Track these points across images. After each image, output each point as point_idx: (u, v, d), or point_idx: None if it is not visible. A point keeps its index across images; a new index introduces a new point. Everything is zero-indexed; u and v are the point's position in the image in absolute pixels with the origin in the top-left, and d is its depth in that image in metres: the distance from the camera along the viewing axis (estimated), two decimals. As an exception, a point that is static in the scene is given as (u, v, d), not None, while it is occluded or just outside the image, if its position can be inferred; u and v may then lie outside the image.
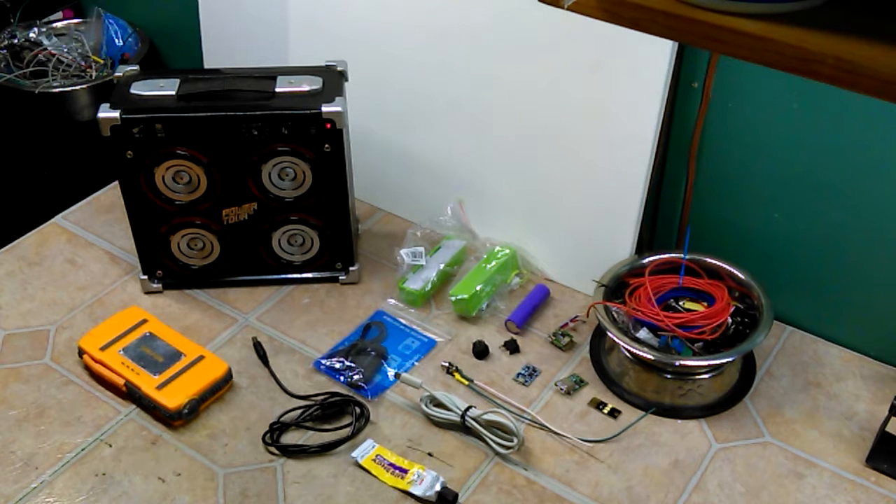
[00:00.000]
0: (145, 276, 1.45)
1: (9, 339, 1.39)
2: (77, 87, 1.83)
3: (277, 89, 1.35)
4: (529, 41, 1.34)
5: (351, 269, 1.47)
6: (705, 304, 1.31)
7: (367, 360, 1.34)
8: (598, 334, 1.38)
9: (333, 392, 1.29)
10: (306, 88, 1.35)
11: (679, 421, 1.27)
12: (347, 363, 1.32)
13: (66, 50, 1.90)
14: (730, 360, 1.27)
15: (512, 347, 1.37)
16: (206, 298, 1.46)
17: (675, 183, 1.42)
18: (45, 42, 1.90)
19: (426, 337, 1.39)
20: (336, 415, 1.27)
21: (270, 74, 1.37)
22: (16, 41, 1.90)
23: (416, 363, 1.35)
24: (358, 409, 1.26)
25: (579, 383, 1.32)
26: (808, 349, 1.38)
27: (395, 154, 1.56)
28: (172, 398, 1.25)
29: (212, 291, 1.47)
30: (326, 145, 1.34)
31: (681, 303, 1.33)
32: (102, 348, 1.32)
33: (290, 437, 1.24)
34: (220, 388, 1.29)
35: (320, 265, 1.47)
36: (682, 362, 1.26)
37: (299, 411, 1.26)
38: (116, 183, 1.53)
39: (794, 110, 1.26)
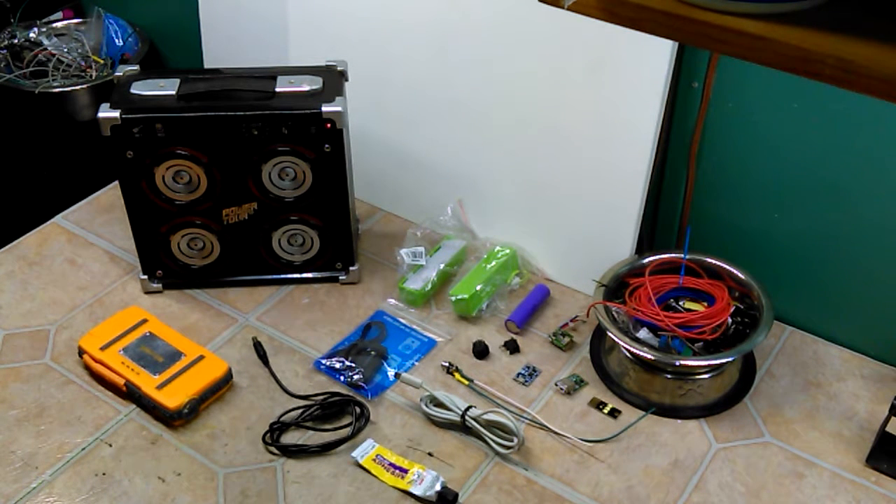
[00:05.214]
0: (145, 276, 1.45)
1: (9, 339, 1.39)
2: (77, 87, 1.83)
3: (277, 89, 1.35)
4: (529, 41, 1.34)
5: (351, 269, 1.47)
6: (705, 304, 1.31)
7: (367, 360, 1.34)
8: (598, 334, 1.38)
9: (333, 392, 1.29)
10: (306, 88, 1.35)
11: (679, 421, 1.27)
12: (347, 363, 1.32)
13: (66, 50, 1.90)
14: (730, 360, 1.27)
15: (512, 347, 1.37)
16: (206, 298, 1.46)
17: (675, 183, 1.42)
18: (45, 42, 1.90)
19: (426, 337, 1.39)
20: (336, 415, 1.27)
21: (270, 74, 1.37)
22: (16, 41, 1.90)
23: (416, 363, 1.35)
24: (358, 409, 1.26)
25: (579, 383, 1.32)
26: (808, 349, 1.38)
27: (395, 154, 1.56)
28: (172, 398, 1.25)
29: (212, 291, 1.47)
30: (326, 145, 1.34)
31: (681, 303, 1.33)
32: (102, 348, 1.32)
33: (290, 437, 1.24)
34: (220, 388, 1.29)
35: (320, 265, 1.47)
36: (682, 362, 1.26)
37: (299, 411, 1.26)
38: (116, 183, 1.54)
39: (794, 110, 1.26)
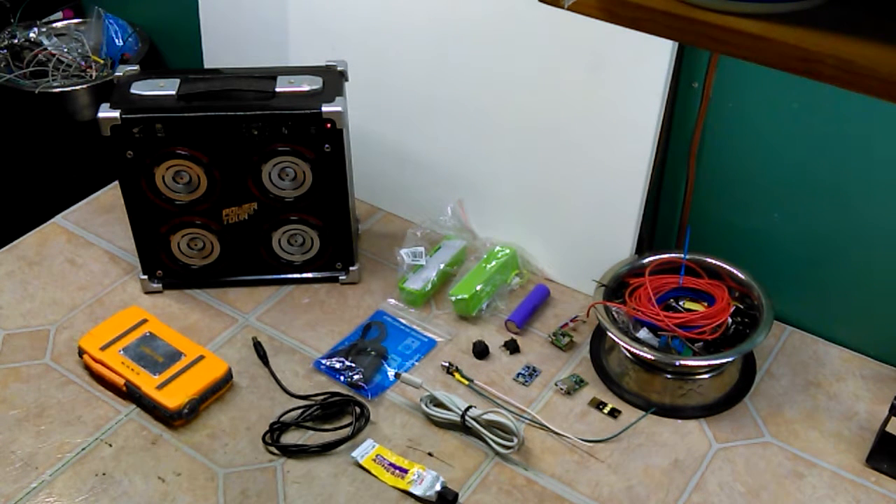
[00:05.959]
0: (145, 276, 1.45)
1: (9, 339, 1.39)
2: (77, 87, 1.83)
3: (277, 89, 1.35)
4: (530, 41, 1.34)
5: (351, 269, 1.47)
6: (705, 304, 1.31)
7: (367, 360, 1.34)
8: (598, 334, 1.38)
9: (333, 392, 1.29)
10: (306, 88, 1.35)
11: (679, 421, 1.27)
12: (347, 363, 1.32)
13: (66, 50, 1.90)
14: (730, 360, 1.27)
15: (512, 347, 1.37)
16: (206, 298, 1.46)
17: (675, 183, 1.43)
18: (45, 42, 1.90)
19: (426, 337, 1.39)
20: (336, 415, 1.27)
21: (270, 74, 1.37)
22: (16, 41, 1.90)
23: (416, 363, 1.35)
24: (358, 409, 1.26)
25: (579, 383, 1.32)
26: (808, 349, 1.38)
27: (395, 154, 1.56)
28: (172, 398, 1.25)
29: (212, 291, 1.47)
30: (326, 145, 1.34)
31: (681, 303, 1.33)
32: (102, 348, 1.32)
33: (290, 437, 1.24)
34: (220, 388, 1.29)
35: (320, 265, 1.47)
36: (682, 362, 1.26)
37: (299, 411, 1.26)
38: (116, 183, 1.54)
39: (794, 110, 1.26)
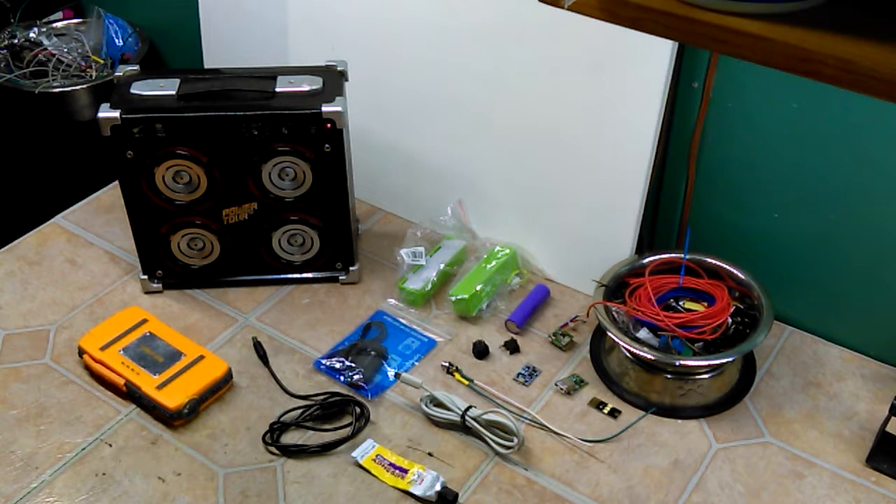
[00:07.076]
0: (145, 276, 1.45)
1: (9, 339, 1.39)
2: (77, 87, 1.83)
3: (277, 89, 1.35)
4: (530, 41, 1.34)
5: (351, 269, 1.47)
6: (705, 304, 1.31)
7: (367, 360, 1.34)
8: (598, 334, 1.38)
9: (333, 392, 1.29)
10: (306, 88, 1.35)
11: (679, 421, 1.27)
12: (347, 363, 1.32)
13: (66, 50, 1.90)
14: (730, 360, 1.27)
15: (512, 347, 1.37)
16: (206, 298, 1.46)
17: (675, 183, 1.43)
18: (45, 42, 1.90)
19: (426, 337, 1.39)
20: (336, 415, 1.27)
21: (270, 74, 1.37)
22: (16, 41, 1.90)
23: (416, 363, 1.35)
24: (358, 409, 1.26)
25: (579, 383, 1.32)
26: (808, 349, 1.38)
27: (395, 154, 1.56)
28: (172, 398, 1.25)
29: (212, 291, 1.47)
30: (326, 145, 1.34)
31: (681, 303, 1.33)
32: (102, 348, 1.32)
33: (290, 437, 1.24)
34: (220, 388, 1.29)
35: (320, 265, 1.47)
36: (682, 362, 1.26)
37: (299, 411, 1.26)
38: (116, 183, 1.54)
39: (794, 110, 1.26)
